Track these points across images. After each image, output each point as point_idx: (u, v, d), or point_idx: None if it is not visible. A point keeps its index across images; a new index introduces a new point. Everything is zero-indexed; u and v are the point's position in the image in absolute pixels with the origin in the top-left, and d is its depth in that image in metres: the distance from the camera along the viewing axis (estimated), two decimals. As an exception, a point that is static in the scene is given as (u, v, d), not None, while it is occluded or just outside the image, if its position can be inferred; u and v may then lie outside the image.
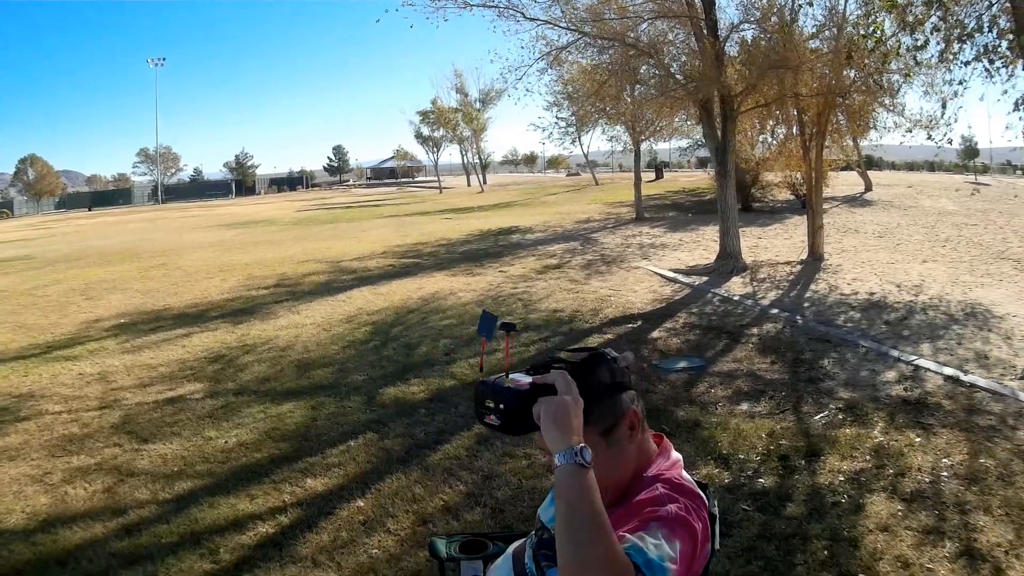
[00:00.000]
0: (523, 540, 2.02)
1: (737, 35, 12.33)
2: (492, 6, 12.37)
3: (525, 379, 1.66)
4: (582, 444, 1.44)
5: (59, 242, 29.60)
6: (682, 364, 7.01)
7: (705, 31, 11.68)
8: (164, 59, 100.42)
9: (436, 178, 66.38)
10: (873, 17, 9.03)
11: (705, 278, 11.70)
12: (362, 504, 4.42)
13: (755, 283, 11.14)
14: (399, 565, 3.71)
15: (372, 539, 3.98)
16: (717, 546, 1.71)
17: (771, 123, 15.77)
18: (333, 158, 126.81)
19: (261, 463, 5.19)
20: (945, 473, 4.38)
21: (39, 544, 4.21)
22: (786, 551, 3.60)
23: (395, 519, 4.21)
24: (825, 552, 3.57)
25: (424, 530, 4.01)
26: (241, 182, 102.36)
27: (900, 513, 3.93)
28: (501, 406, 1.61)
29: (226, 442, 5.64)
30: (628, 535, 1.47)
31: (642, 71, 13.98)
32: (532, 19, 12.55)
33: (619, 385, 1.67)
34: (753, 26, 12.12)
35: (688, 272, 12.37)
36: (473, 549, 2.27)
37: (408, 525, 4.10)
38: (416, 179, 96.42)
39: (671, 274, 12.21)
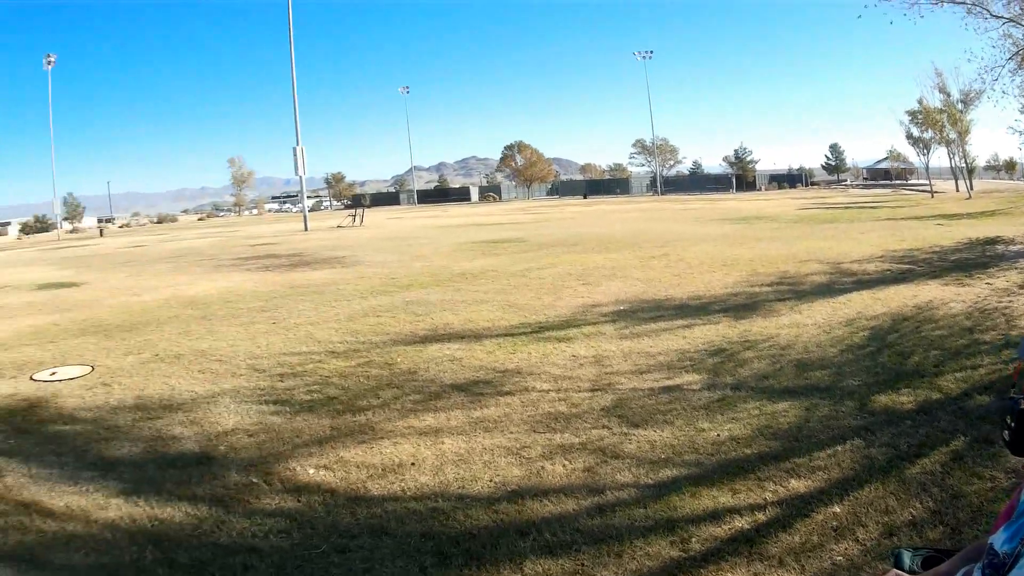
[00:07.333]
0: (971, 565, 1.99)
1: None
2: (959, 2, 12.34)
3: None
4: None
5: (552, 227, 32.39)
6: None
7: None
8: (651, 52, 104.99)
9: (927, 181, 62.95)
10: None
11: None
12: (837, 510, 4.41)
13: None
14: (858, 575, 3.71)
15: (839, 546, 3.99)
16: None
17: None
18: (830, 156, 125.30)
19: (749, 459, 5.30)
20: None
21: (501, 512, 4.52)
22: None
23: (864, 528, 4.18)
24: None
25: (889, 543, 3.93)
26: (741, 177, 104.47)
27: None
28: (1012, 424, 1.76)
29: (718, 435, 5.78)
30: None
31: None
32: (996, 16, 12.36)
33: None
34: None
35: None
36: (933, 565, 2.22)
37: (876, 536, 4.06)
38: (908, 181, 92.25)
39: None
